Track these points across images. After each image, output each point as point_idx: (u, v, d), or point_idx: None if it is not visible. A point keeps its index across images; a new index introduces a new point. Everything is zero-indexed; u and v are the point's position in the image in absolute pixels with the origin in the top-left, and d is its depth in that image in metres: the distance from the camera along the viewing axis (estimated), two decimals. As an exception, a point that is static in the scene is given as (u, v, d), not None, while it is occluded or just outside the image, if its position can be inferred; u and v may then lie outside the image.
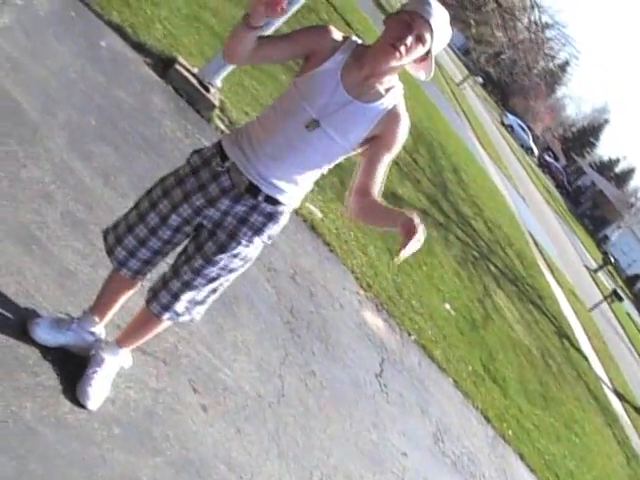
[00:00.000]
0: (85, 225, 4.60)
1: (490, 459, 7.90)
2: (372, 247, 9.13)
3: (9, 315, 3.65)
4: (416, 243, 2.84)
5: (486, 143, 40.65)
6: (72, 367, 3.75)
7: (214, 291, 3.62)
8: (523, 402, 10.43)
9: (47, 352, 3.67)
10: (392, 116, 3.27)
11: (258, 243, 3.48)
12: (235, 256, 3.47)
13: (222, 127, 7.65)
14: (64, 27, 6.25)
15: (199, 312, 3.69)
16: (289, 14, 7.39)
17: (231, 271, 3.54)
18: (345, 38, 3.28)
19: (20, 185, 4.34)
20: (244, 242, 3.43)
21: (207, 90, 7.51)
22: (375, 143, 3.30)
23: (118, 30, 7.14)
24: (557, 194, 76.04)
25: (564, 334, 18.33)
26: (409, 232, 2.85)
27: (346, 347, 6.68)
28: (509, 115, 78.05)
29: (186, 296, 3.55)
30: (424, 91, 26.16)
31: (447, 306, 10.60)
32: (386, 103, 3.25)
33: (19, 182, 4.36)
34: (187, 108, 7.27)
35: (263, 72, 10.05)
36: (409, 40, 3.08)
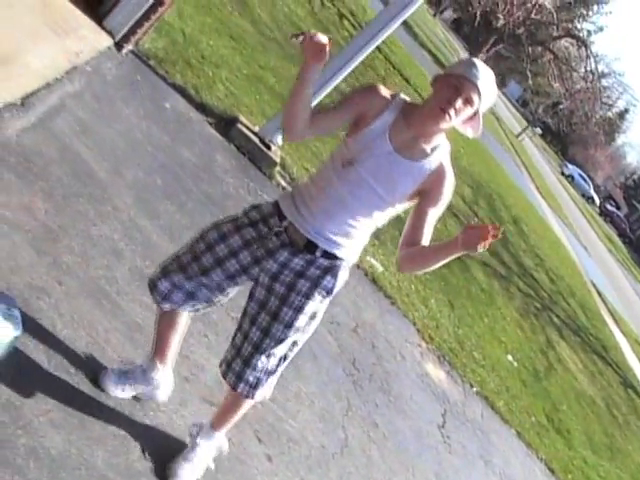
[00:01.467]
0: (152, 280, 4.75)
1: (555, 511, 7.85)
2: (433, 300, 9.19)
3: (82, 367, 3.79)
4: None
5: (546, 193, 40.50)
6: (141, 416, 3.87)
7: (284, 358, 3.64)
8: (588, 453, 10.31)
9: (117, 402, 3.80)
10: (438, 174, 3.33)
11: (318, 298, 3.50)
12: (299, 311, 3.48)
13: (283, 184, 7.83)
14: (130, 90, 6.49)
15: (270, 385, 3.70)
16: (348, 71, 7.59)
17: (297, 330, 3.54)
18: (393, 96, 3.36)
19: (91, 242, 4.52)
20: (303, 292, 3.47)
21: (268, 148, 7.70)
22: (422, 199, 3.37)
23: (181, 91, 7.39)
24: (620, 243, 75.08)
25: (630, 384, 18.06)
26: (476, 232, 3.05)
27: (408, 399, 6.73)
28: (569, 165, 77.78)
29: (257, 362, 3.55)
30: (483, 143, 26.27)
31: (509, 357, 10.58)
32: (431, 162, 3.31)
33: (90, 239, 4.53)
34: (249, 166, 7.46)
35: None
36: (458, 104, 3.17)
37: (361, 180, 3.29)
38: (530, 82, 37.50)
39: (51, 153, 4.86)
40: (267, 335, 3.51)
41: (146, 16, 6.71)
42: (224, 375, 3.67)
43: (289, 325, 3.50)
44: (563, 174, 74.17)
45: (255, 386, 3.60)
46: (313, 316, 3.56)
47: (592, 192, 79.75)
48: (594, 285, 28.47)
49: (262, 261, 3.49)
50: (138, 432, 3.78)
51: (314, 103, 7.49)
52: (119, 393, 3.82)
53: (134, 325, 4.32)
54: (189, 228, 5.57)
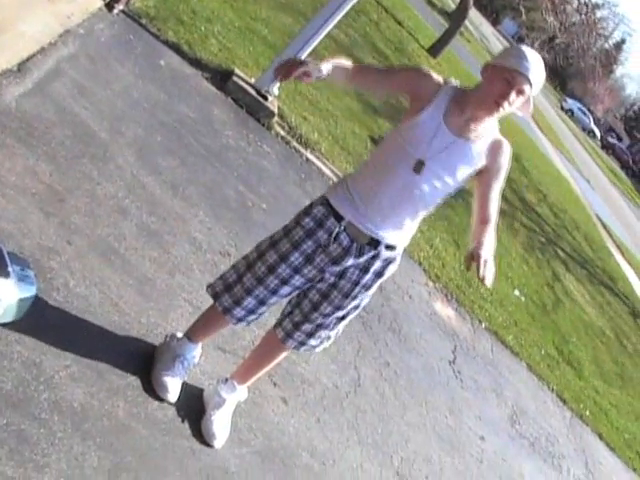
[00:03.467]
0: (159, 235, 4.85)
1: (568, 439, 7.97)
2: (438, 239, 9.27)
3: (96, 322, 3.89)
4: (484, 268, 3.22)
5: (546, 129, 40.39)
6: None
7: (343, 319, 3.82)
8: (599, 382, 10.44)
9: (132, 356, 3.91)
10: (494, 147, 3.46)
11: (378, 283, 3.71)
12: (362, 299, 3.73)
13: (282, 133, 7.88)
14: (124, 50, 6.53)
15: (330, 339, 3.91)
16: (338, 17, 7.60)
17: (358, 306, 3.78)
18: (444, 82, 3.44)
19: (96, 201, 4.60)
20: (367, 285, 3.65)
21: (265, 99, 7.74)
22: (483, 176, 3.49)
23: (175, 48, 7.43)
24: (623, 175, 74.87)
25: (638, 314, 18.17)
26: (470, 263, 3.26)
27: (418, 337, 6.84)
28: (568, 99, 77.60)
29: (321, 333, 3.78)
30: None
31: (517, 292, 10.69)
32: (486, 140, 3.43)
33: (95, 199, 4.62)
34: (247, 117, 7.52)
35: (318, 77, 10.23)
36: (511, 97, 3.27)
37: (432, 176, 3.38)
38: (524, 18, 37.20)
39: (51, 116, 4.92)
40: (329, 316, 3.72)
41: (135, -26, 6.73)
42: (284, 342, 3.83)
43: (351, 308, 3.74)
44: (562, 109, 73.96)
45: (316, 346, 3.87)
46: (373, 292, 3.77)
47: (593, 125, 79.57)
48: (599, 218, 28.52)
49: (327, 268, 3.57)
50: (156, 381, 3.89)
51: (309, 49, 7.63)
52: (178, 390, 3.87)
53: (144, 279, 4.41)
54: (191, 182, 5.67)
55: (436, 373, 6.59)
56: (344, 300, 3.65)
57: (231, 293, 3.73)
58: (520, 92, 3.26)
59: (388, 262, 3.61)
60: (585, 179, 38.45)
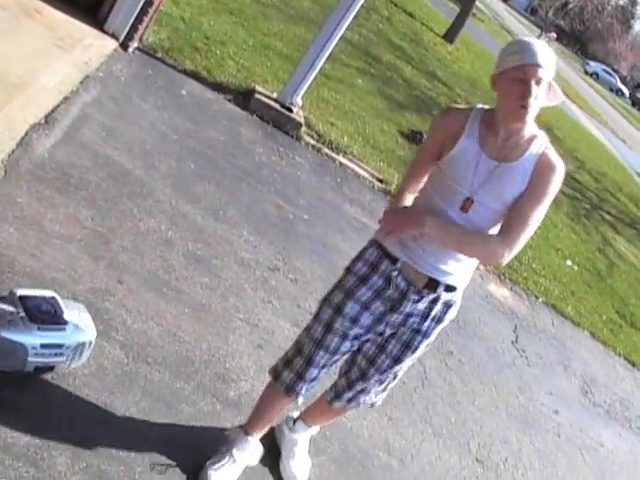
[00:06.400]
0: (207, 260, 4.91)
1: (643, 401, 7.92)
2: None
3: (159, 355, 3.93)
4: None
5: (573, 95, 40.04)
6: (224, 389, 4.03)
7: (395, 377, 3.60)
8: (667, 339, 10.35)
9: (200, 381, 3.95)
10: (543, 163, 3.13)
11: (439, 330, 3.45)
12: (421, 349, 3.47)
13: (312, 142, 7.94)
14: (145, 86, 6.63)
15: (381, 397, 3.69)
16: (350, 18, 7.65)
17: (413, 358, 3.53)
18: (469, 110, 3.25)
19: (141, 237, 4.68)
20: (428, 333, 3.39)
21: (290, 111, 7.81)
22: (524, 193, 3.14)
23: (194, 76, 7.53)
24: (659, 129, 74.03)
25: (695, 266, 17.96)
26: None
27: (477, 322, 6.84)
28: (591, 62, 76.75)
29: (371, 389, 3.57)
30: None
31: (569, 262, 10.63)
32: (532, 154, 3.13)
33: (139, 235, 4.69)
34: (275, 132, 7.59)
35: (340, 82, 10.29)
36: (533, 91, 3.02)
37: (482, 209, 3.15)
38: (534, -12, 36.89)
39: (84, 162, 5.00)
40: (386, 372, 3.50)
41: (144, 11, 6.83)
42: (331, 401, 3.68)
43: (408, 361, 3.51)
44: (587, 73, 73.27)
45: (365, 402, 3.66)
46: (427, 345, 3.52)
47: (619, 84, 78.66)
48: (640, 175, 28.25)
49: (386, 316, 3.34)
50: (227, 404, 3.96)
51: (326, 56, 7.70)
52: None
53: (199, 306, 4.47)
54: (231, 204, 5.73)
55: (500, 355, 6.59)
56: (403, 351, 3.42)
57: (291, 367, 3.52)
58: (538, 82, 3.03)
59: (448, 306, 3.35)
60: (620, 139, 38.08)
